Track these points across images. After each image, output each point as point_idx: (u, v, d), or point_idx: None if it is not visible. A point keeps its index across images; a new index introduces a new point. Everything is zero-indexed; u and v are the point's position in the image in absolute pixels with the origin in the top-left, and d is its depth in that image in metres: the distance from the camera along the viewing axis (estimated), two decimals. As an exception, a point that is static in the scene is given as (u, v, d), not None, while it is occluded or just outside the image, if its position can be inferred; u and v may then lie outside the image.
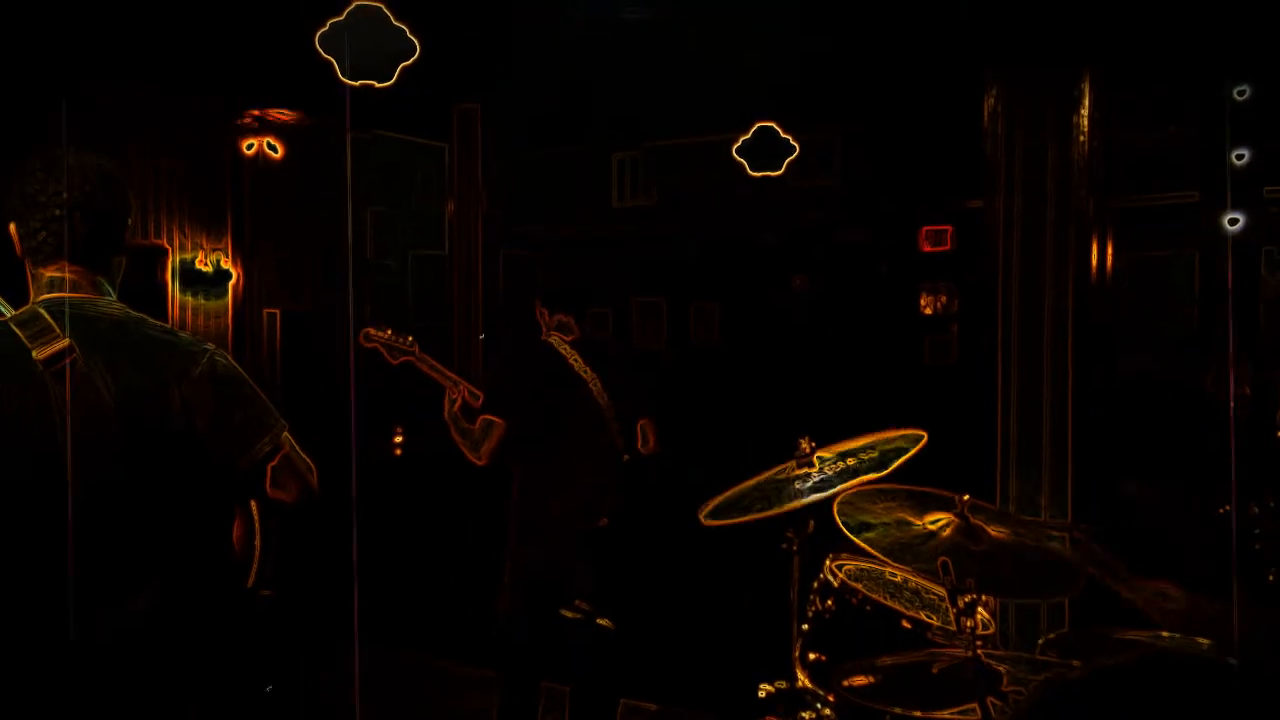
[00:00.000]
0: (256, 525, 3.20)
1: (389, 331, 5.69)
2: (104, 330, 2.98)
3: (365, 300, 11.12)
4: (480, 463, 5.37)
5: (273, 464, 3.04)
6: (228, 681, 3.07)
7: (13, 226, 3.07)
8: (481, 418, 5.37)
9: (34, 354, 2.87)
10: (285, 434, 3.08)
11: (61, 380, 2.85)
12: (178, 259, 9.57)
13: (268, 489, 3.06)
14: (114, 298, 3.09)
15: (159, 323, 3.13)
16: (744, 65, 7.73)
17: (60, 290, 3.01)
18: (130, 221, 3.20)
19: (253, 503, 3.19)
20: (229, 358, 3.09)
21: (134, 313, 3.09)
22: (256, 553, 3.19)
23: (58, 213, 3.01)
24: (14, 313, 3.00)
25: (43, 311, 2.95)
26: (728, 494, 4.23)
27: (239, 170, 9.83)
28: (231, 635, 3.10)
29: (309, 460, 3.15)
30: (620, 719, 5.55)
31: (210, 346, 3.08)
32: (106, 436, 2.85)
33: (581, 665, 5.39)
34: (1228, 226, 9.00)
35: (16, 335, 2.90)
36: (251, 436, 3.04)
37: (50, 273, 3.04)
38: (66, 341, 2.88)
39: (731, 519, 4.02)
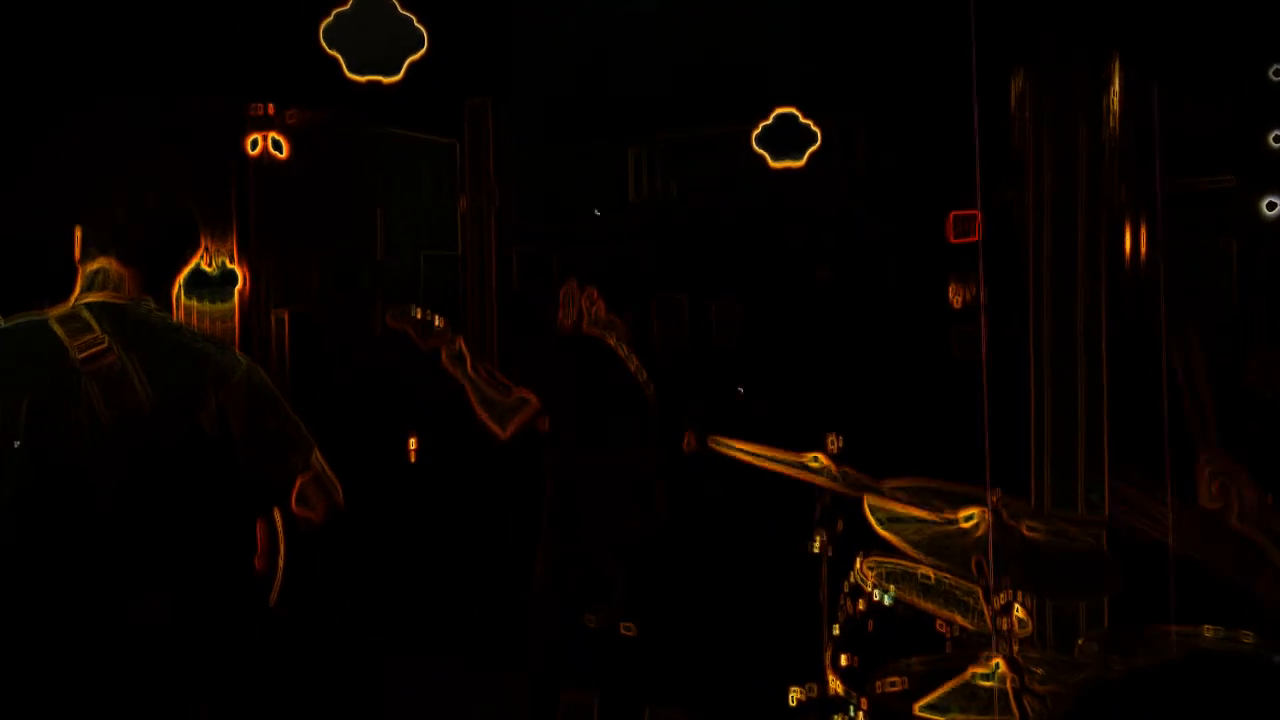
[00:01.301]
0: (281, 542, 3.23)
1: (419, 312, 5.48)
2: (143, 333, 3.05)
3: (376, 300, 11.14)
4: (504, 436, 5.33)
5: (303, 478, 3.08)
6: (238, 693, 3.09)
7: (79, 230, 3.18)
8: (517, 392, 5.35)
9: (72, 351, 2.93)
10: (316, 454, 3.13)
11: (97, 379, 2.91)
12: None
13: (293, 505, 3.11)
14: (150, 302, 3.15)
15: (198, 330, 3.21)
16: (763, 51, 7.72)
17: (104, 289, 3.10)
18: (192, 259, 3.30)
19: (279, 521, 3.22)
20: (263, 371, 3.15)
21: (173, 320, 3.20)
22: (279, 570, 3.21)
23: (122, 213, 3.17)
24: (55, 310, 3.07)
25: (84, 311, 3.03)
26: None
27: (244, 169, 9.84)
28: (247, 649, 3.13)
29: (335, 479, 3.19)
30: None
31: (245, 359, 3.16)
32: (139, 437, 2.91)
33: (606, 671, 5.39)
34: (1266, 211, 8.96)
35: (55, 332, 2.97)
36: (285, 450, 3.10)
37: (96, 264, 3.13)
38: (106, 341, 2.95)
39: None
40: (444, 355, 5.34)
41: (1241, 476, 3.10)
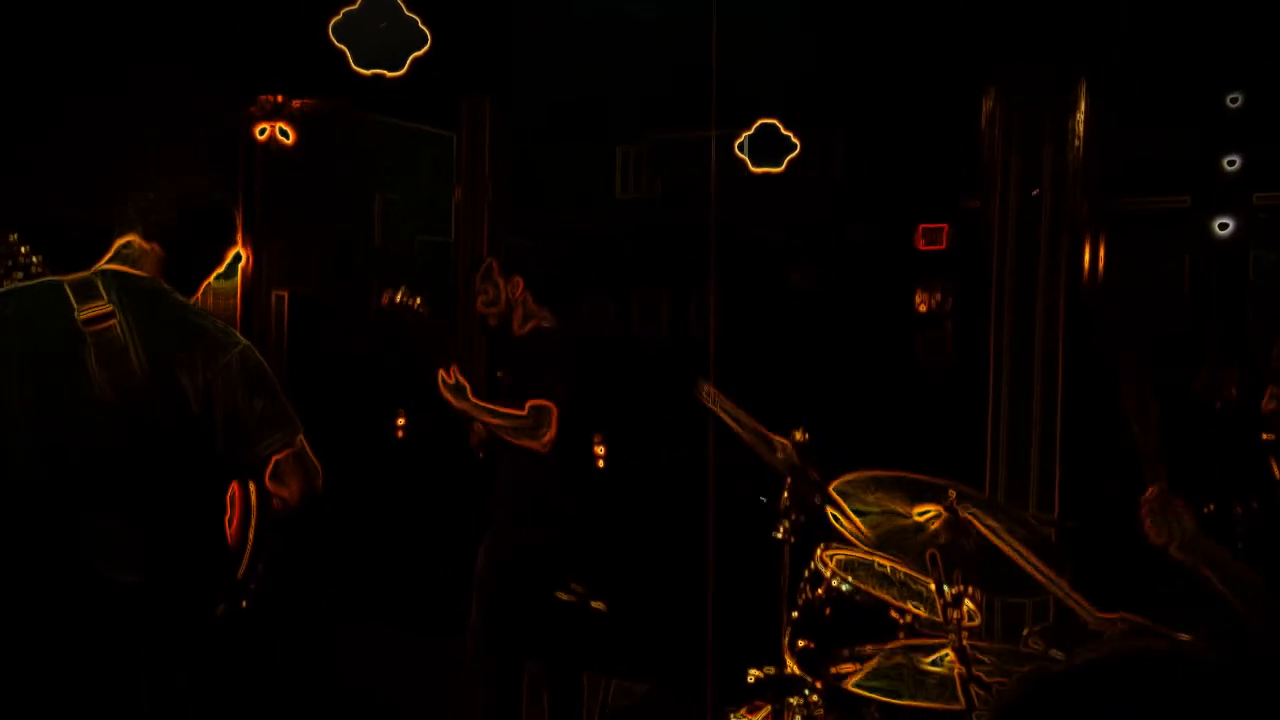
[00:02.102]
0: (253, 517, 3.21)
1: (401, 295, 5.18)
2: (149, 304, 3.06)
3: (372, 282, 11.12)
4: (544, 450, 5.05)
5: (278, 457, 3.07)
6: (207, 668, 3.09)
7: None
8: (531, 404, 5.03)
9: (76, 313, 2.95)
10: (299, 436, 3.12)
11: (97, 341, 2.93)
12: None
13: (267, 481, 3.09)
14: (162, 281, 3.16)
15: (202, 309, 3.21)
16: (747, 62, 7.72)
17: (124, 261, 3.14)
18: (227, 254, 3.30)
19: (253, 496, 3.20)
20: (259, 355, 3.14)
21: (179, 295, 3.17)
22: (249, 544, 3.19)
23: (152, 197, 3.21)
24: (72, 275, 3.09)
25: (97, 278, 3.06)
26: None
27: (251, 155, 9.82)
28: (213, 622, 3.11)
29: (317, 464, 3.17)
30: (612, 699, 5.51)
31: (243, 341, 3.14)
32: (129, 403, 2.92)
33: (569, 647, 5.35)
34: (1218, 231, 9.00)
35: (66, 294, 2.99)
36: (267, 430, 3.08)
37: (125, 238, 3.17)
38: (109, 306, 2.98)
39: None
40: (442, 389, 5.09)
41: (1178, 506, 3.08)
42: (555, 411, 5.04)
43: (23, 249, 5.23)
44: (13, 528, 2.88)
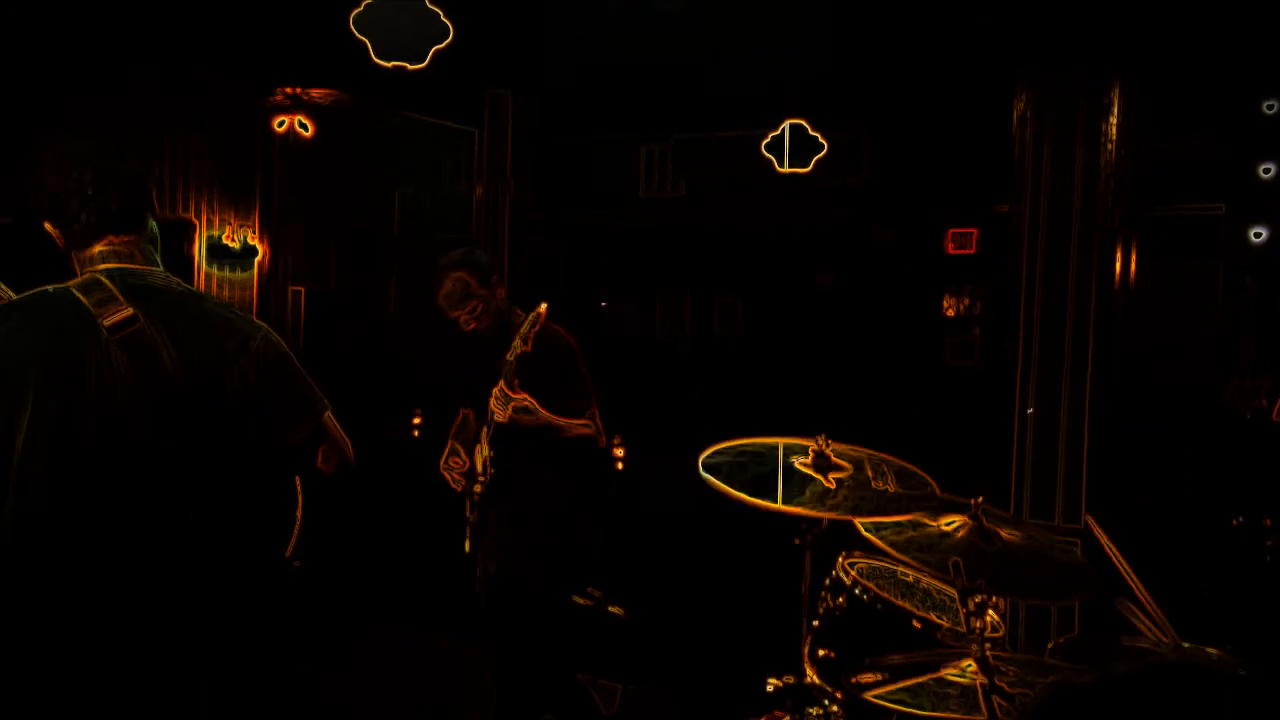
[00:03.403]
0: (300, 498, 3.24)
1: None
2: (165, 302, 3.03)
3: (390, 281, 11.15)
4: (599, 449, 5.23)
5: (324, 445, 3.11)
6: (255, 649, 3.11)
7: (48, 224, 3.12)
8: (588, 411, 5.19)
9: (100, 320, 2.91)
10: (328, 414, 3.15)
11: (126, 347, 2.91)
12: (205, 234, 9.61)
13: (319, 463, 3.14)
14: (162, 269, 3.14)
15: (214, 298, 3.20)
16: (776, 61, 7.72)
17: (114, 261, 3.07)
18: (149, 181, 3.24)
19: (298, 480, 3.24)
20: (279, 338, 3.16)
21: (189, 287, 3.16)
22: (297, 524, 3.23)
23: (90, 191, 3.06)
24: (74, 281, 3.03)
25: (103, 279, 3.00)
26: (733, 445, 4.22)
27: (270, 148, 9.85)
28: (265, 603, 3.14)
29: (346, 438, 3.21)
30: (631, 704, 5.51)
31: (263, 325, 3.15)
32: (168, 405, 2.91)
33: (592, 652, 5.37)
34: (1252, 239, 8.97)
35: (81, 301, 2.95)
36: (302, 412, 3.13)
37: (99, 247, 3.08)
38: (131, 310, 2.94)
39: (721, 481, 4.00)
40: (499, 404, 5.00)
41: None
42: (596, 410, 5.17)
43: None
44: (64, 544, 2.87)
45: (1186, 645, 3.59)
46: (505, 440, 5.14)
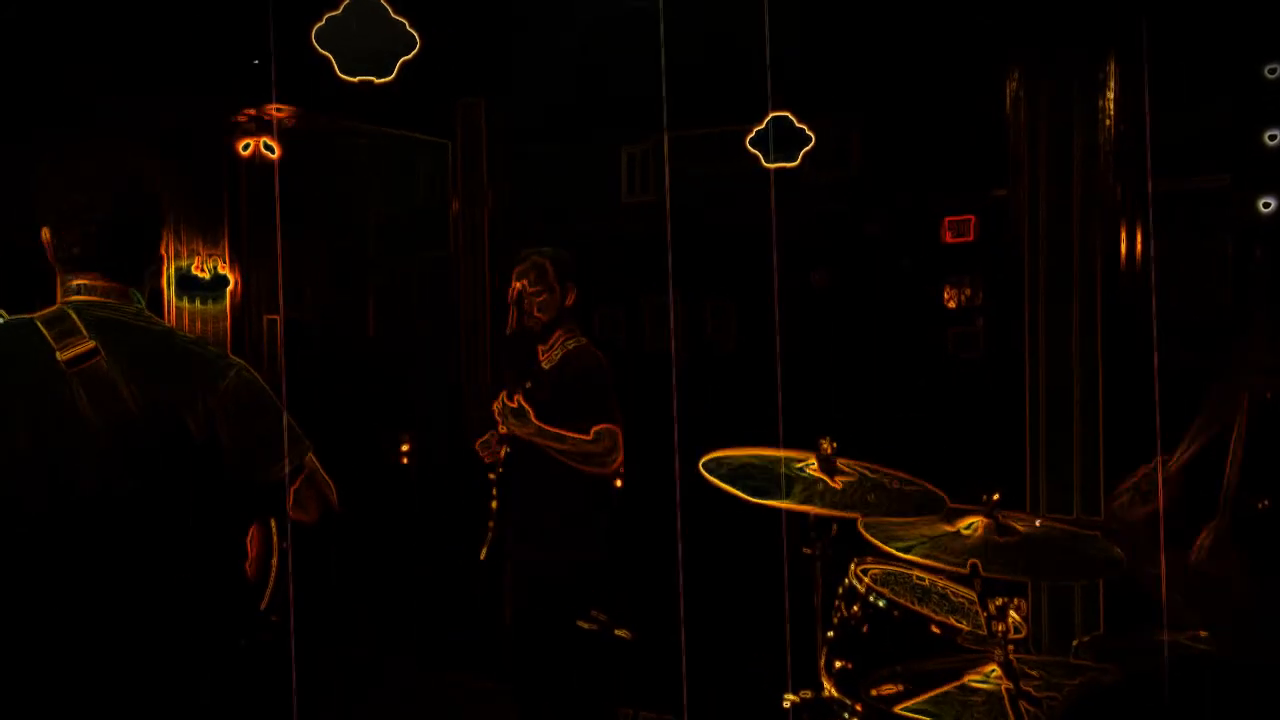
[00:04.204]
0: (274, 545, 3.22)
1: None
2: (131, 337, 3.02)
3: (369, 302, 11.13)
4: (609, 472, 5.26)
5: (295, 485, 3.08)
6: (231, 703, 3.09)
7: (46, 232, 3.13)
8: (598, 429, 5.21)
9: (58, 353, 2.91)
10: (310, 455, 3.12)
11: (83, 382, 2.89)
12: (173, 265, 9.59)
13: (290, 510, 3.10)
14: (142, 306, 3.13)
15: (187, 334, 3.19)
16: (757, 52, 7.72)
17: (91, 294, 3.06)
18: (164, 232, 3.25)
19: (273, 526, 3.22)
20: (256, 374, 3.13)
21: (162, 323, 3.16)
22: (272, 574, 3.21)
23: (93, 229, 3.07)
24: (41, 312, 3.03)
25: (70, 312, 3.00)
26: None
27: (235, 172, 9.83)
28: (238, 657, 3.12)
29: (330, 481, 3.18)
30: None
31: (238, 362, 3.12)
32: (126, 442, 2.89)
33: (599, 677, 5.35)
34: (1261, 209, 8.98)
35: (42, 333, 2.94)
36: (275, 454, 3.08)
37: (80, 280, 3.08)
38: (92, 343, 2.92)
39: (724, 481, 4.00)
40: (500, 414, 5.20)
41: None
42: (620, 435, 5.18)
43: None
44: (18, 578, 2.87)
45: (1205, 635, 3.59)
46: (515, 446, 5.25)
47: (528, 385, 5.23)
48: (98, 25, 7.57)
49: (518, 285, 5.32)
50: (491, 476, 5.30)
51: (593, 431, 5.19)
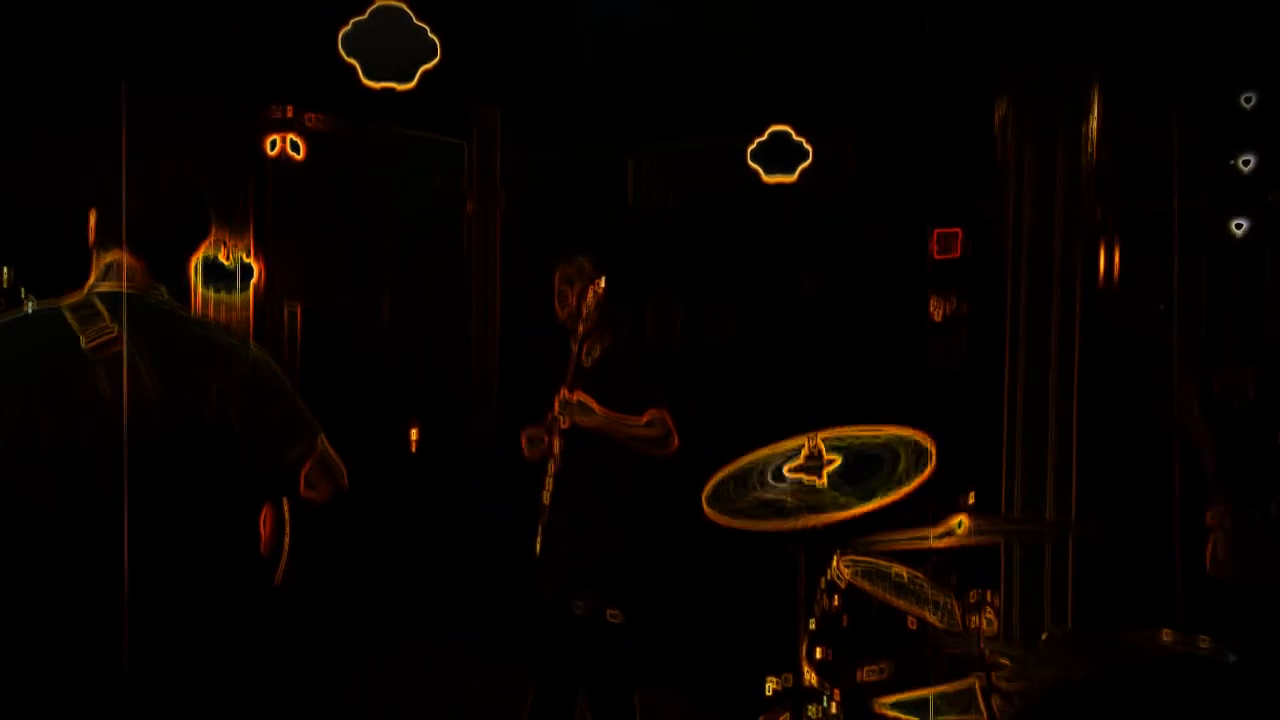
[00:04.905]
0: (287, 524, 3.23)
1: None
2: (152, 323, 3.03)
3: (384, 296, 11.12)
4: (669, 453, 5.28)
5: (306, 466, 3.09)
6: (245, 677, 3.10)
7: (94, 213, 3.14)
8: (652, 414, 5.25)
9: (82, 340, 2.91)
10: (320, 437, 3.13)
11: (106, 367, 2.89)
12: (201, 254, 9.59)
13: (303, 490, 3.11)
14: (164, 292, 3.13)
15: (204, 319, 3.19)
16: (758, 68, 7.75)
17: (116, 278, 3.07)
18: (205, 245, 3.28)
19: (285, 507, 3.22)
20: (270, 359, 3.15)
21: (181, 309, 3.17)
22: (285, 551, 3.22)
23: (137, 211, 3.08)
24: (68, 299, 3.04)
25: (95, 299, 3.01)
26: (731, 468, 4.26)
27: (262, 169, 9.83)
28: (253, 632, 3.12)
29: (340, 462, 3.19)
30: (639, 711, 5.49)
31: (253, 346, 3.15)
32: (147, 426, 2.89)
33: (592, 657, 5.35)
34: (1234, 231, 8.99)
35: (67, 320, 2.95)
36: (288, 437, 3.11)
37: (110, 256, 3.09)
38: (115, 330, 2.93)
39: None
40: (561, 408, 5.20)
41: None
42: (670, 419, 5.26)
43: (5, 272, 5.20)
44: (44, 556, 2.88)
45: (1175, 634, 3.60)
46: (570, 441, 5.25)
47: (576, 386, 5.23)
48: (131, 25, 7.58)
49: (573, 289, 5.39)
50: (551, 468, 5.28)
51: (647, 416, 5.24)
